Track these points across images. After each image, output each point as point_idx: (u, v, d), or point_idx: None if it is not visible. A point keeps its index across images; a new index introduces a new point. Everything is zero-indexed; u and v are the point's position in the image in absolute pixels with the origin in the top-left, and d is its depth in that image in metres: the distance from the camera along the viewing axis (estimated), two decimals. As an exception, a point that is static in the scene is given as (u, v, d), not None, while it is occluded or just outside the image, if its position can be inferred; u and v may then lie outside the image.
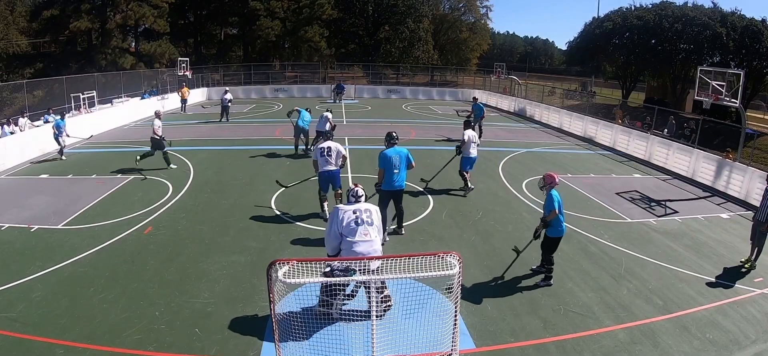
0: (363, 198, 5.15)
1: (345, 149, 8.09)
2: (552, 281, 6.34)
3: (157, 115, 11.88)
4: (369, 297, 5.01)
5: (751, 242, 7.27)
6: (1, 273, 6.12)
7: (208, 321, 5.20)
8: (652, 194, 11.06)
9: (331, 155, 7.87)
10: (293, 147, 13.49)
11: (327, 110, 13.32)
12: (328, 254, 5.11)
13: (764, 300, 6.26)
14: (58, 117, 12.98)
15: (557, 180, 6.16)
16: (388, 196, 7.27)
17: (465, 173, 10.16)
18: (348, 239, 4.86)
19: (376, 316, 4.87)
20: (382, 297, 4.96)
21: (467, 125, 10.62)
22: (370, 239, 4.88)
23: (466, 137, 10.02)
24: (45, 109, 16.12)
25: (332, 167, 7.89)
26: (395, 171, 7.09)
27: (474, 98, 17.25)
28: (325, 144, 7.99)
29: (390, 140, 7.33)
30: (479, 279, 6.36)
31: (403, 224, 7.76)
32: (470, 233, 8.03)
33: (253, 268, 6.40)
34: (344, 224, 4.88)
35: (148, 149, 11.58)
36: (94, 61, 29.70)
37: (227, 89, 22.29)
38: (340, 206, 5.03)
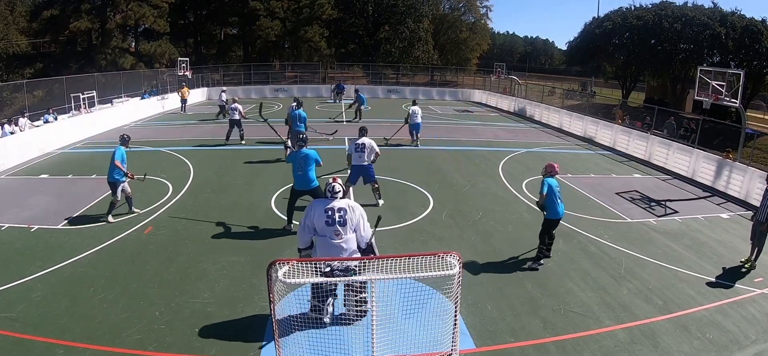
0: (340, 194, 4.86)
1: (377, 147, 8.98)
2: (542, 262, 6.83)
3: (234, 99, 15.10)
4: (346, 299, 4.99)
5: (751, 242, 7.27)
6: (1, 273, 6.11)
7: (208, 321, 5.20)
8: (652, 194, 11.05)
9: (364, 151, 8.72)
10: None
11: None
12: (298, 246, 5.01)
13: (764, 300, 6.26)
14: (120, 144, 8.24)
15: (556, 169, 6.83)
16: (297, 195, 7.72)
17: (413, 135, 14.86)
18: (321, 237, 4.76)
19: (351, 320, 4.86)
20: (356, 300, 4.89)
21: (414, 103, 15.63)
22: (343, 238, 4.74)
23: (410, 111, 14.92)
24: (45, 109, 16.12)
25: (365, 162, 8.73)
26: (299, 172, 7.46)
27: (356, 90, 22.75)
28: (360, 140, 8.84)
29: (299, 141, 7.78)
30: (479, 279, 6.36)
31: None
32: (470, 233, 8.03)
33: (253, 268, 6.40)
34: (315, 220, 4.77)
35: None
36: (94, 61, 29.70)
37: (224, 88, 23.13)
38: (316, 201, 4.97)
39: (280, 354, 3.88)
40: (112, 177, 7.96)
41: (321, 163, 7.63)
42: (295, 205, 7.73)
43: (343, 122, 19.21)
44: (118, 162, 7.92)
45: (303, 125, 12.22)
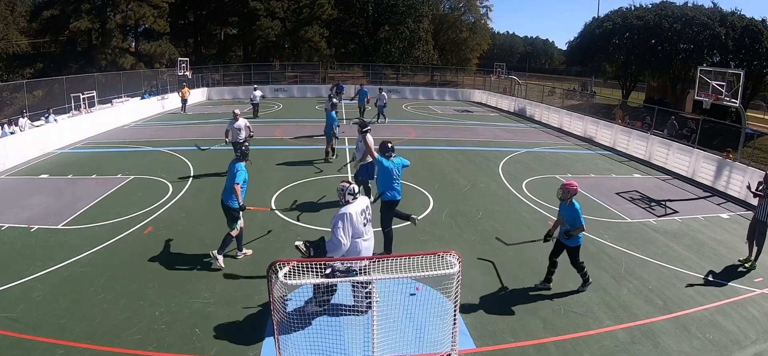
0: (358, 192, 5.09)
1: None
2: (548, 285, 6.17)
3: (235, 114, 10.75)
4: (355, 293, 4.96)
5: (748, 242, 7.26)
6: (1, 273, 6.11)
7: (208, 321, 5.20)
8: (652, 194, 11.05)
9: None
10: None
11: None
12: (331, 256, 4.92)
13: (764, 300, 6.26)
14: (240, 159, 6.52)
15: (577, 189, 5.88)
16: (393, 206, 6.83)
17: (361, 109, 19.09)
18: (355, 239, 4.87)
19: (361, 312, 4.85)
20: (367, 292, 4.86)
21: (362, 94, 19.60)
22: (371, 236, 5.02)
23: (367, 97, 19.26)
24: (45, 109, 16.12)
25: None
26: (395, 182, 6.70)
27: (361, 85, 24.04)
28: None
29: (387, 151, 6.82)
30: (479, 279, 6.36)
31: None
32: (470, 233, 8.02)
33: (253, 268, 6.40)
34: (356, 225, 4.80)
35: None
36: (94, 61, 29.67)
37: (256, 86, 23.24)
38: (347, 209, 4.79)
39: (280, 355, 3.88)
40: (230, 201, 6.27)
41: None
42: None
43: (343, 120, 19.19)
44: (238, 186, 6.06)
45: (336, 125, 12.28)
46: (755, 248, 7.17)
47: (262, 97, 20.95)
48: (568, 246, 5.96)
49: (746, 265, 7.18)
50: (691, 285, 6.56)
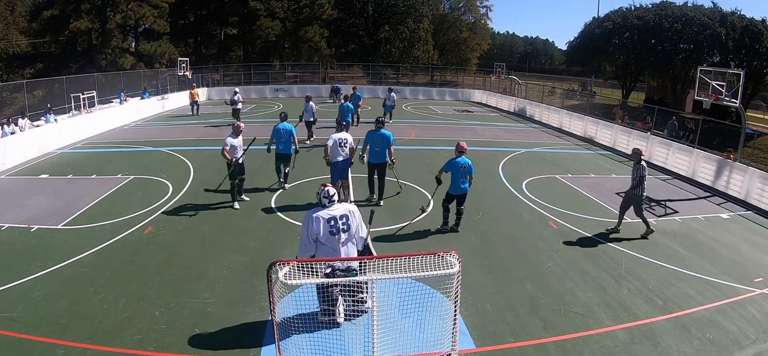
0: (336, 198, 4.74)
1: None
2: (446, 227, 7.89)
3: (237, 128, 9.05)
4: (344, 298, 4.93)
5: (620, 212, 8.32)
6: (1, 273, 6.11)
7: (208, 321, 5.20)
8: (652, 194, 11.04)
9: (345, 146, 8.51)
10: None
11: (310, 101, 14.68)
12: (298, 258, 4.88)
13: (764, 300, 6.26)
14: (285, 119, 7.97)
15: (464, 147, 7.65)
16: (373, 168, 8.79)
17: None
18: (323, 245, 4.68)
19: (350, 317, 4.84)
20: (354, 300, 4.85)
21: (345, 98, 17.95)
22: (347, 245, 4.72)
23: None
24: (45, 109, 16.12)
25: (349, 157, 8.61)
26: (377, 149, 8.57)
27: (354, 87, 23.61)
28: (343, 136, 8.57)
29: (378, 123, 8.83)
30: (479, 279, 6.36)
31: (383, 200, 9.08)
32: (470, 234, 8.02)
33: (253, 268, 6.40)
34: (320, 232, 4.62)
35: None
36: (94, 61, 29.69)
37: (237, 89, 20.58)
38: (314, 211, 4.70)
39: (280, 355, 3.88)
40: (291, 150, 9.64)
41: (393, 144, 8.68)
42: (374, 177, 8.86)
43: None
44: (296, 138, 9.60)
45: (350, 115, 13.76)
46: (632, 218, 8.35)
47: (241, 101, 18.22)
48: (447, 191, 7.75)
49: (610, 229, 8.33)
50: (692, 285, 6.55)
